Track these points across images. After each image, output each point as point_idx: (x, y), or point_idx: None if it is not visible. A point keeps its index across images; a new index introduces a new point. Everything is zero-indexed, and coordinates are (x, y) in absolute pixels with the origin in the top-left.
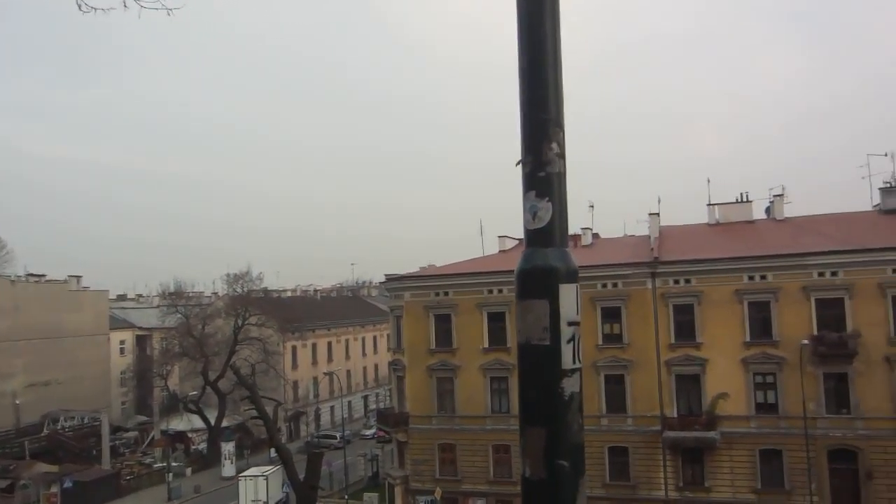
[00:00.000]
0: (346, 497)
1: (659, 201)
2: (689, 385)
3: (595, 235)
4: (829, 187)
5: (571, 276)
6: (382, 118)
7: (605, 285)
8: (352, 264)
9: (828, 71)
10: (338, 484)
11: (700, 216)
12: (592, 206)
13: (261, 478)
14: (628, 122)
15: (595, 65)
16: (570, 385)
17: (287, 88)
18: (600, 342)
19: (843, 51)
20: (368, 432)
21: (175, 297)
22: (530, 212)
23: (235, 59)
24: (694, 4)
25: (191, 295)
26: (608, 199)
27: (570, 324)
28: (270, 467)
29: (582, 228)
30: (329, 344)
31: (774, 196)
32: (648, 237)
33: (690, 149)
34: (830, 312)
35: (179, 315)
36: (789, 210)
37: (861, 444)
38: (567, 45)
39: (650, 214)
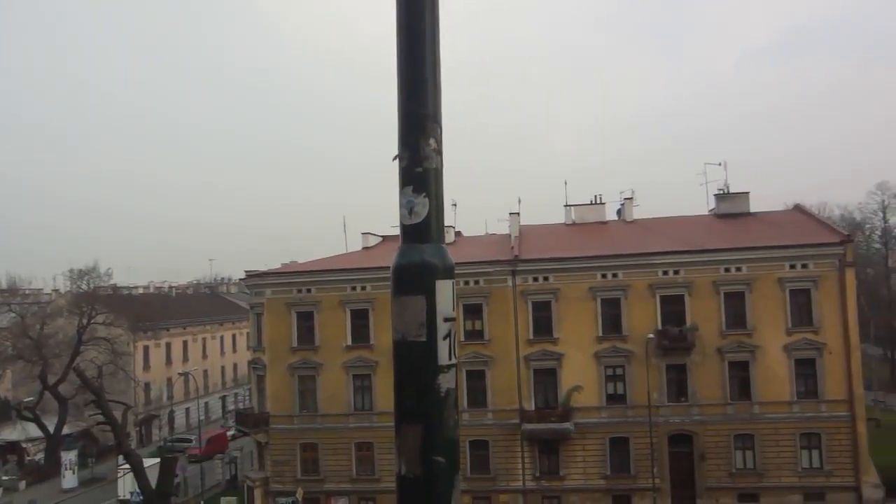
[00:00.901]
0: (202, 503)
1: (519, 201)
2: (547, 379)
3: (458, 234)
4: (674, 191)
5: (448, 272)
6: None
7: (467, 283)
8: (210, 260)
9: (672, 79)
10: (193, 489)
11: (559, 216)
12: (455, 205)
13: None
14: (491, 125)
15: (463, 68)
16: (445, 381)
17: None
18: (462, 339)
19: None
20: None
21: (8, 295)
22: (406, 207)
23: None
24: (550, 16)
25: (27, 292)
26: (470, 199)
27: (447, 320)
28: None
29: (445, 226)
30: (185, 343)
31: (625, 199)
32: (509, 236)
33: (553, 152)
34: (673, 308)
35: (13, 314)
36: (638, 212)
37: (696, 428)
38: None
39: (511, 214)
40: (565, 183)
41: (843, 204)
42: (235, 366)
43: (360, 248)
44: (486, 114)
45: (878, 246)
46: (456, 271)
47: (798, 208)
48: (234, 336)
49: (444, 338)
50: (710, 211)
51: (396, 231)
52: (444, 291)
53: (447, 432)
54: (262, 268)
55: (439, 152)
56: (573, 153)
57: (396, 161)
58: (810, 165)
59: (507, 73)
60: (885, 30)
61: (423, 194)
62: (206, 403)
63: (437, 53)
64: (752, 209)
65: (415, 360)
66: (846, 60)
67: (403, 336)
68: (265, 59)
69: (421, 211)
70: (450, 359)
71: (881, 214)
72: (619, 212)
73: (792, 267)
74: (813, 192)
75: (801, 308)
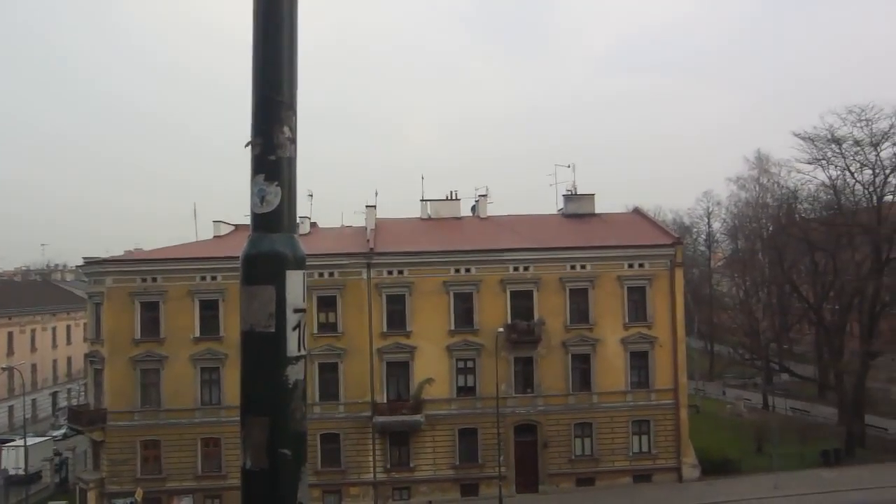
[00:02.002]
0: None
1: (376, 194)
2: (399, 371)
3: (314, 225)
4: (528, 190)
5: (299, 262)
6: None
7: (321, 275)
8: (42, 245)
9: (526, 82)
10: (15, 495)
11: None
12: (312, 196)
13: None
14: (351, 117)
15: (324, 57)
16: (294, 373)
17: None
18: (315, 331)
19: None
20: (57, 433)
21: None
22: (258, 195)
23: None
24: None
25: None
26: (328, 190)
27: (296, 311)
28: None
29: (300, 217)
30: (10, 335)
31: (479, 196)
32: (365, 229)
33: (413, 147)
34: (522, 303)
35: None
36: (492, 209)
37: (540, 418)
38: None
39: (367, 207)
40: (422, 178)
41: (675, 209)
42: (69, 359)
43: (211, 236)
44: (346, 106)
45: (703, 248)
46: (310, 263)
47: (637, 211)
48: (68, 327)
49: (294, 329)
50: (559, 211)
51: (249, 220)
52: (295, 282)
53: (294, 424)
54: (104, 254)
55: (293, 141)
56: (433, 149)
57: (249, 148)
58: (650, 170)
59: (368, 67)
60: (709, 46)
61: (276, 183)
62: (34, 400)
63: (294, 39)
64: (597, 210)
65: (262, 352)
66: (690, 72)
67: (252, 327)
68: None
69: (273, 200)
70: (299, 350)
71: (706, 220)
72: (473, 208)
73: (630, 266)
74: (651, 196)
75: (637, 304)
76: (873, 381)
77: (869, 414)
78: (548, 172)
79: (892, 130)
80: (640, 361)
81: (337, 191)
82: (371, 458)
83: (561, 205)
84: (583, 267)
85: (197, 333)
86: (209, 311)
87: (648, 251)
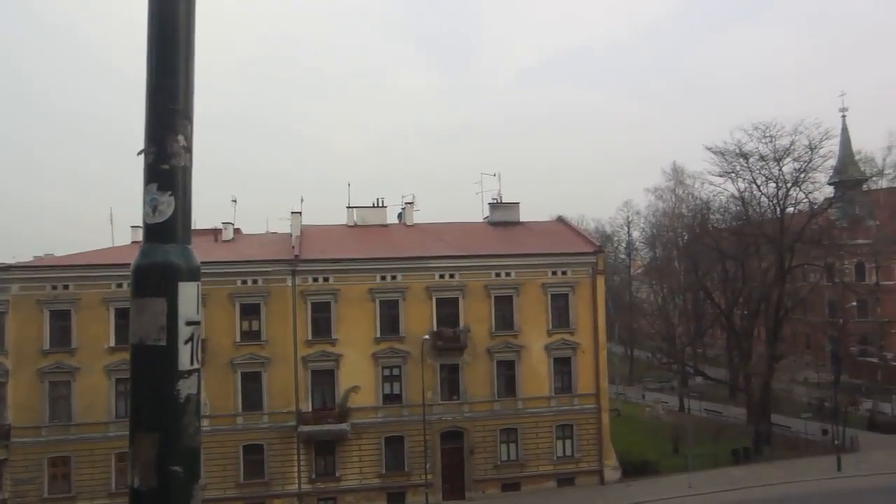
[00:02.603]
0: None
1: (302, 201)
2: (325, 380)
3: (237, 231)
4: (456, 200)
5: (193, 274)
6: None
7: (245, 282)
8: None
9: (457, 95)
10: None
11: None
12: (235, 201)
13: None
14: (277, 125)
15: (253, 68)
16: (186, 387)
17: None
18: (238, 339)
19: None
20: None
21: None
22: (150, 205)
23: None
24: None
25: None
26: (253, 197)
27: (189, 323)
28: None
29: (223, 223)
30: None
31: (406, 204)
32: (290, 235)
33: (340, 155)
34: (448, 310)
35: None
36: (419, 217)
37: (467, 424)
38: (211, 45)
39: (293, 213)
40: (349, 185)
41: (597, 217)
42: None
43: (129, 241)
44: (275, 116)
45: (623, 256)
46: (233, 270)
47: (560, 220)
48: None
49: (186, 342)
50: (485, 219)
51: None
52: (188, 294)
53: (187, 440)
54: (11, 259)
55: (189, 150)
56: (362, 160)
57: (142, 156)
58: (573, 180)
59: (297, 78)
60: (636, 65)
61: (169, 192)
62: None
63: (191, 46)
64: (522, 218)
65: (152, 366)
66: (601, 89)
67: (141, 340)
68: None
69: (166, 210)
70: (192, 364)
71: (626, 229)
72: (400, 216)
73: (553, 273)
74: (574, 205)
75: (560, 311)
76: (778, 383)
77: (775, 413)
78: (475, 181)
79: (792, 147)
80: (563, 367)
81: (263, 198)
82: (296, 469)
83: (487, 213)
84: (507, 274)
85: (112, 343)
86: (125, 319)
87: (571, 259)
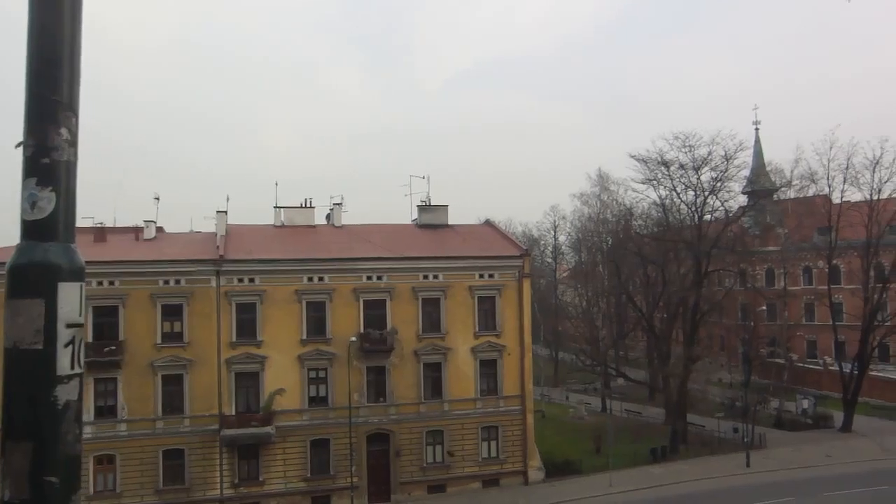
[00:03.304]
0: None
1: (228, 199)
2: (249, 382)
3: (160, 229)
4: (386, 202)
5: (76, 274)
6: None
7: (167, 282)
8: None
9: (383, 96)
10: None
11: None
12: (158, 199)
13: None
14: (204, 120)
15: (177, 59)
16: (65, 393)
17: None
18: (159, 341)
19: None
20: None
21: None
22: (28, 201)
23: None
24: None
25: None
26: (178, 195)
27: (70, 326)
28: None
29: (145, 221)
30: None
31: (334, 205)
32: (215, 235)
33: (269, 154)
34: (375, 312)
35: None
36: (347, 218)
37: (393, 427)
38: (128, 36)
39: (218, 212)
40: (276, 184)
41: (524, 221)
42: None
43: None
44: (203, 112)
45: (549, 260)
46: (155, 270)
47: (488, 223)
48: None
49: (67, 345)
50: (413, 221)
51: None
52: (70, 295)
53: (65, 449)
54: None
55: (73, 144)
56: (291, 159)
57: (21, 149)
58: (502, 185)
59: (224, 72)
60: (566, 74)
61: (50, 188)
62: None
63: (77, 33)
64: (450, 221)
65: (28, 371)
66: (531, 96)
67: (15, 344)
68: None
69: (46, 206)
70: (72, 368)
71: (553, 233)
72: (328, 217)
73: (481, 276)
74: (502, 209)
75: (487, 314)
76: (694, 384)
77: (690, 413)
78: (404, 183)
79: (710, 157)
80: (489, 369)
81: (188, 197)
82: (218, 474)
83: (415, 215)
84: (435, 277)
85: None
86: None
87: (498, 262)
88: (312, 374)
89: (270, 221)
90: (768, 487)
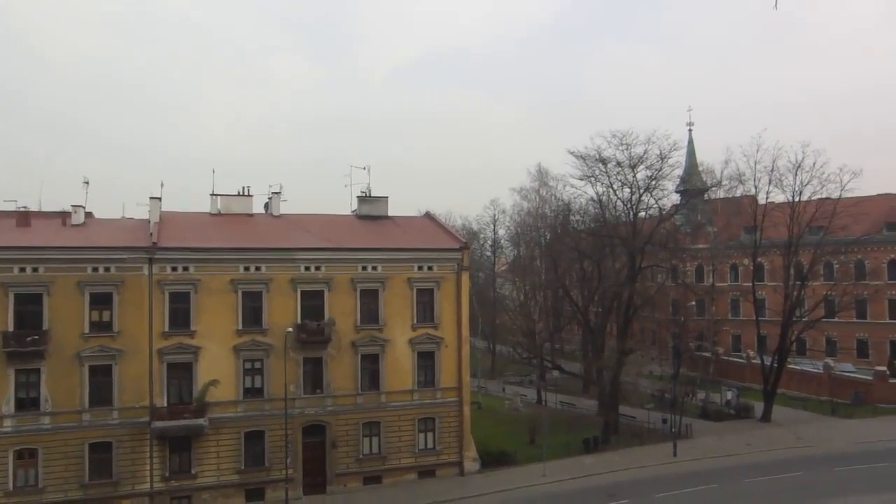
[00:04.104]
0: None
1: (162, 185)
2: (181, 373)
3: (89, 214)
4: (327, 193)
5: None
6: None
7: (96, 269)
8: None
9: (329, 84)
10: None
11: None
12: (87, 183)
13: None
14: (138, 102)
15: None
16: None
17: None
18: (87, 330)
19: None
20: None
21: None
22: None
23: None
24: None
25: None
26: (112, 176)
27: None
28: None
29: (73, 206)
30: None
31: (273, 193)
32: (148, 221)
33: (207, 141)
34: (312, 303)
35: None
36: (286, 207)
37: (329, 418)
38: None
39: (151, 198)
40: (213, 171)
41: (464, 215)
42: None
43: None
44: (138, 91)
45: (488, 254)
46: (83, 257)
47: (428, 215)
48: None
49: None
50: (353, 212)
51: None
52: None
53: None
54: None
55: None
56: (231, 144)
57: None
58: (443, 178)
59: (162, 53)
60: (509, 71)
61: None
62: None
63: None
64: (390, 213)
65: None
66: (475, 91)
67: None
68: None
69: None
70: None
71: (492, 226)
72: (266, 206)
73: (420, 268)
74: (443, 202)
75: (426, 306)
76: (626, 376)
77: (622, 405)
78: (344, 174)
79: (645, 155)
80: (426, 361)
81: (121, 178)
82: (148, 467)
83: (355, 206)
84: (374, 268)
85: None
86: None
87: (437, 255)
88: (248, 365)
89: (207, 209)
90: (693, 475)
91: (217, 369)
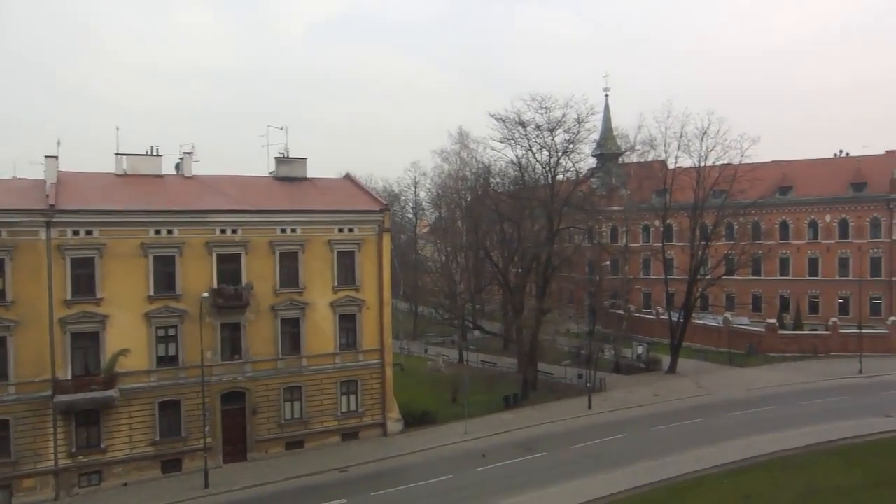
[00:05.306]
0: None
1: (59, 144)
2: (88, 344)
3: None
4: (241, 154)
5: None
6: None
7: None
8: None
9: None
10: None
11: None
12: None
13: None
14: (31, 60)
15: None
16: None
17: None
18: None
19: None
20: None
21: None
22: None
23: None
24: None
25: None
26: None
27: None
28: None
29: None
30: None
31: (185, 153)
32: (45, 182)
33: (104, 95)
34: (229, 267)
35: None
36: (199, 169)
37: (249, 384)
38: None
39: (47, 157)
40: (117, 129)
41: (385, 177)
42: None
43: None
44: (25, 46)
45: (410, 215)
46: None
47: (348, 177)
48: None
49: None
50: (271, 173)
51: None
52: None
53: None
54: None
55: None
56: (132, 99)
57: None
58: (363, 139)
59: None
60: (429, 32)
61: None
62: None
63: None
64: (310, 175)
65: None
66: (394, 52)
67: None
68: None
69: None
70: None
71: (413, 189)
72: (177, 166)
73: (340, 230)
74: (363, 164)
75: (347, 268)
76: (544, 334)
77: (541, 362)
78: (261, 133)
79: (563, 119)
80: (348, 324)
81: (13, 143)
82: (52, 444)
83: (272, 167)
84: (293, 231)
85: None
86: None
87: (358, 217)
88: (161, 333)
89: (112, 170)
90: (606, 426)
91: (127, 338)
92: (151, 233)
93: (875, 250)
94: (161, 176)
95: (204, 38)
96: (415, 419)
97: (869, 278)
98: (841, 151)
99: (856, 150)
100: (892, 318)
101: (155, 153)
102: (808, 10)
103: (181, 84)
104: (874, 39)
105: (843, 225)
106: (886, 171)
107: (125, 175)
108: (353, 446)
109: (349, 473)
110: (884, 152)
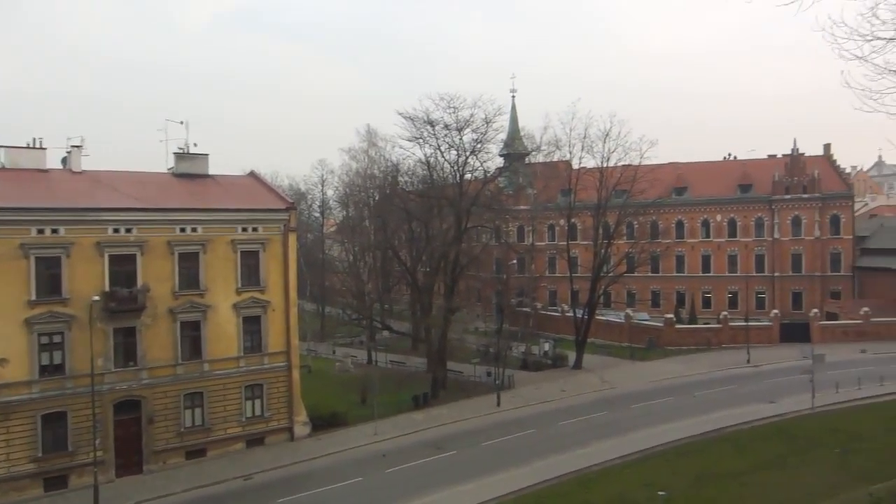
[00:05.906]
0: None
1: None
2: None
3: None
4: (138, 150)
5: None
6: None
7: None
8: None
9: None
10: None
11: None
12: None
13: None
14: None
15: None
16: None
17: None
18: None
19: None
20: None
21: None
22: None
23: None
24: None
25: None
26: None
27: None
28: None
29: None
30: None
31: (73, 147)
32: None
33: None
34: (123, 269)
35: None
36: (89, 163)
37: (145, 392)
38: None
39: None
40: None
41: (291, 175)
42: None
43: None
44: None
45: (317, 214)
46: None
47: (252, 175)
48: None
49: None
50: (169, 170)
51: None
52: None
53: None
54: None
55: None
56: (15, 84)
57: None
58: (268, 137)
59: None
60: (338, 26)
61: None
62: None
63: None
64: (212, 172)
65: None
66: (303, 46)
67: None
68: None
69: None
70: None
71: (321, 187)
72: (64, 161)
73: (244, 230)
74: (268, 162)
75: (251, 269)
76: (453, 333)
77: (450, 361)
78: (159, 128)
79: (472, 119)
80: (253, 326)
81: None
82: None
83: (171, 164)
84: (194, 230)
85: None
86: None
87: (263, 215)
88: (45, 340)
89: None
90: (515, 422)
91: (4, 346)
92: (33, 232)
93: (759, 248)
94: (46, 171)
95: (95, 24)
96: (323, 421)
97: (754, 274)
98: (730, 155)
99: (742, 154)
100: (775, 311)
101: (38, 146)
102: (705, 20)
103: (72, 73)
104: (756, 51)
105: (732, 224)
106: (769, 173)
107: (3, 169)
108: (259, 452)
109: (254, 481)
110: (766, 156)
